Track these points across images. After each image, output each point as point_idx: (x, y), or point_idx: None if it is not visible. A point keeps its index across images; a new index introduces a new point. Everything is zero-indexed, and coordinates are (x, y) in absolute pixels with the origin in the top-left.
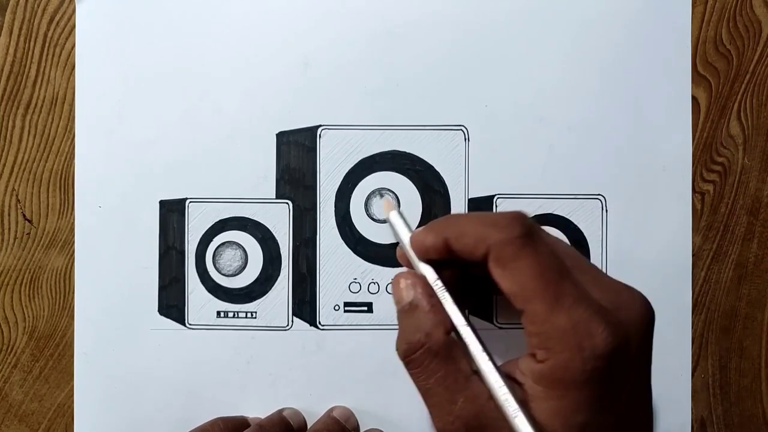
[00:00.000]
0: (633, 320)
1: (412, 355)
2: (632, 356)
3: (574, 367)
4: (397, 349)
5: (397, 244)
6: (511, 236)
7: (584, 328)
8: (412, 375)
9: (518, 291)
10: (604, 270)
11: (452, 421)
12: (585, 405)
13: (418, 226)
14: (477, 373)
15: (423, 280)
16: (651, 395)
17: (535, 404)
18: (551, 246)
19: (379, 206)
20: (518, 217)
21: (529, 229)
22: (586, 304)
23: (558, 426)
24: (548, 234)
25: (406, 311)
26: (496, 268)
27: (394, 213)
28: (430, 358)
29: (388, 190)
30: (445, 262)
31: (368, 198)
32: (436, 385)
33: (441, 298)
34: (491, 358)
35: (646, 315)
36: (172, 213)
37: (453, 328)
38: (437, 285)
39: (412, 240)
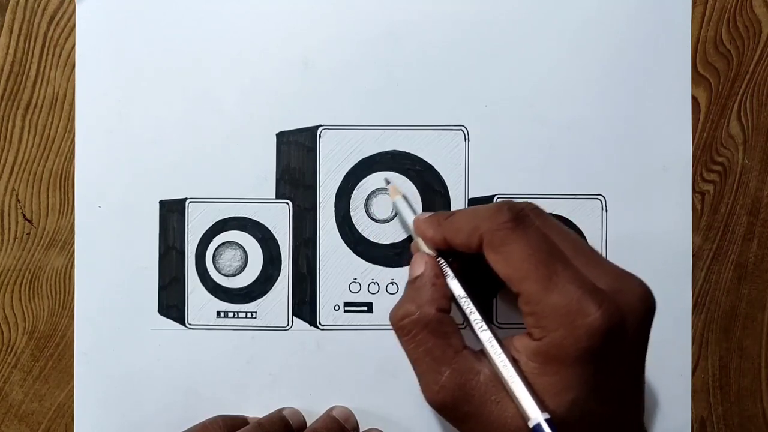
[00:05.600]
0: (631, 304)
1: (400, 322)
2: (628, 340)
3: (568, 344)
4: (390, 315)
5: (395, 244)
6: (500, 222)
7: (578, 306)
8: (401, 342)
9: (512, 273)
10: None
11: (438, 391)
12: (577, 382)
13: None
14: (468, 347)
15: (434, 261)
16: (643, 383)
17: (530, 380)
18: (542, 229)
19: (378, 205)
20: (505, 204)
21: (517, 214)
22: (579, 283)
23: (550, 401)
24: (546, 218)
25: (410, 283)
26: (490, 254)
27: (400, 198)
28: (419, 328)
29: (388, 183)
30: (450, 254)
31: (368, 198)
32: (423, 355)
33: (444, 274)
34: (490, 328)
35: (646, 301)
36: (172, 213)
37: (453, 300)
38: (440, 261)
39: (416, 226)
